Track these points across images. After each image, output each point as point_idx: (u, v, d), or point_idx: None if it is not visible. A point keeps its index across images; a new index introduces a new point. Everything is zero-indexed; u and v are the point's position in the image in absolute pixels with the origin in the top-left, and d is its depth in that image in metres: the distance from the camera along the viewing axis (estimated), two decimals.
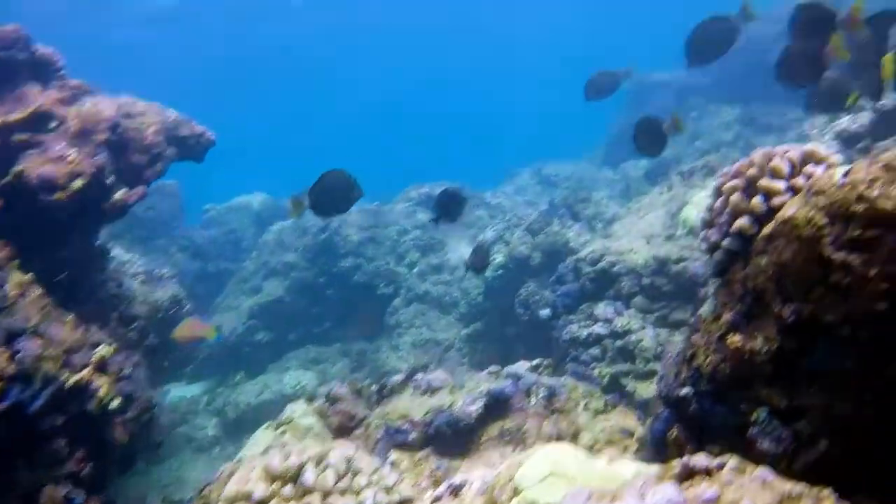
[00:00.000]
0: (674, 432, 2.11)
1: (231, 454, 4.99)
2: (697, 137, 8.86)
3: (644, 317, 4.58)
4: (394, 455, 3.23)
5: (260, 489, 2.11)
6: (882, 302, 1.51)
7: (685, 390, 1.87)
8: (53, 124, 3.90)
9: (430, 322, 7.08)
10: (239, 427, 6.16)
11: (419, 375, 3.67)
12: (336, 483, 2.14)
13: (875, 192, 1.45)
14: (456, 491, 2.09)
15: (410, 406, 3.44)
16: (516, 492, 1.82)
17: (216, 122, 4.79)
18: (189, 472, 5.46)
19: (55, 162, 3.68)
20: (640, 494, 1.32)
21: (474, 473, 2.14)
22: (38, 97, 3.91)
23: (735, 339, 1.73)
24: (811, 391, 1.68)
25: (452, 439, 3.32)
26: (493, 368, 3.72)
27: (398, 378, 3.73)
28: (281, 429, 3.55)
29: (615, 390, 4.17)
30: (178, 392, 6.59)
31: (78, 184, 3.70)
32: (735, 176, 1.79)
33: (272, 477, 2.17)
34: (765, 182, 1.69)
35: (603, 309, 4.72)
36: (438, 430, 3.31)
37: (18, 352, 2.99)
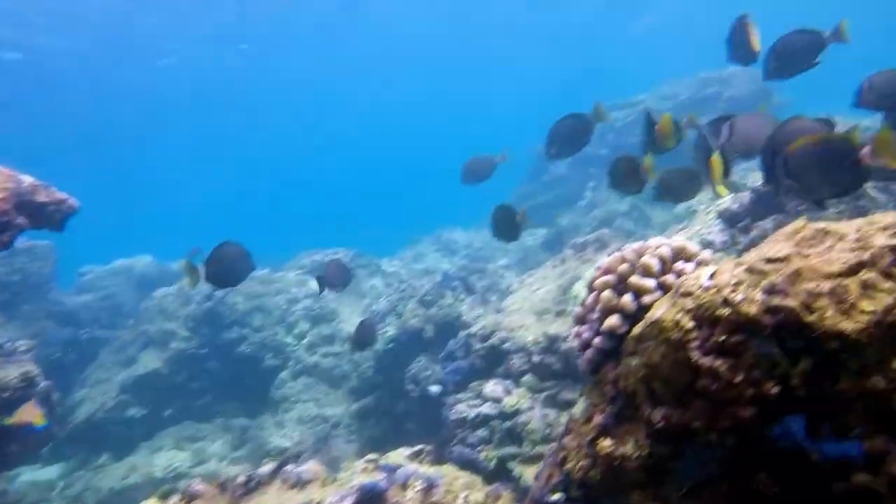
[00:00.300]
0: None
1: None
2: (595, 207, 9.13)
3: (533, 396, 4.50)
4: None
5: None
6: (749, 408, 1.47)
7: (556, 497, 1.77)
8: None
9: (319, 396, 6.78)
10: None
11: (289, 467, 3.41)
12: None
13: (739, 297, 1.42)
14: None
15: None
16: None
17: (87, 182, 4.48)
18: None
19: None
20: None
21: None
22: None
23: (605, 444, 1.65)
24: (682, 499, 1.61)
25: None
26: (371, 456, 3.51)
27: (266, 470, 3.45)
28: None
29: (502, 475, 4.03)
30: (30, 476, 5.95)
31: None
32: (607, 272, 1.74)
33: None
34: (635, 280, 1.65)
35: (492, 387, 4.62)
36: None
37: None
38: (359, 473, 3.26)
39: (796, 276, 1.43)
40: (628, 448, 1.62)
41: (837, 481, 1.37)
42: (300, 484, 3.22)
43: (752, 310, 1.39)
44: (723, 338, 1.42)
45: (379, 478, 3.12)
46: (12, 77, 16.65)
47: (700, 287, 1.46)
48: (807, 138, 2.24)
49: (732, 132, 2.79)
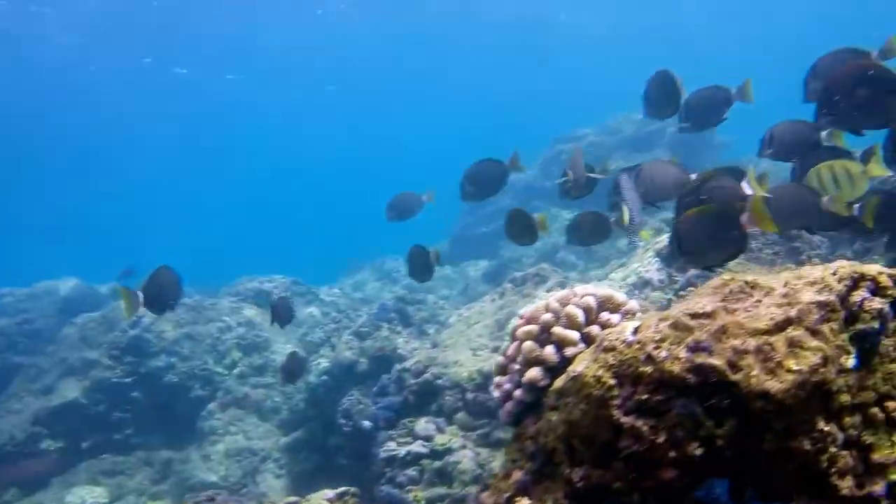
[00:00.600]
0: None
1: None
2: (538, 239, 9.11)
3: (466, 435, 4.39)
4: None
5: None
6: (671, 470, 1.39)
7: None
8: None
9: (248, 429, 6.52)
10: None
11: None
12: None
13: (663, 354, 1.35)
14: None
15: None
16: None
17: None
18: None
19: None
20: None
21: None
22: None
23: None
24: None
25: None
26: (291, 500, 3.34)
27: None
28: None
29: None
30: None
31: None
32: (530, 321, 1.65)
33: None
34: (558, 331, 1.57)
35: (424, 425, 4.49)
36: None
37: None
38: None
39: (722, 332, 1.36)
40: None
41: None
42: None
43: (676, 368, 1.32)
44: (645, 396, 1.35)
45: None
46: None
47: (623, 342, 1.39)
48: (694, 211, 2.39)
49: (639, 181, 2.84)
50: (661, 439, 1.36)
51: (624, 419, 1.36)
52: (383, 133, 31.81)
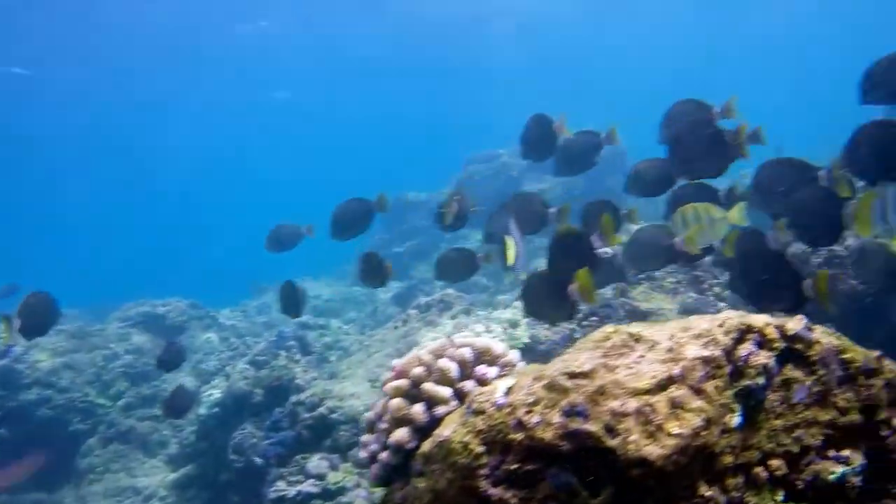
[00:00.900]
0: None
1: None
2: None
3: (361, 472, 4.17)
4: None
5: None
6: None
7: None
8: None
9: (132, 465, 6.07)
10: None
11: None
12: None
13: (534, 419, 1.21)
14: None
15: None
16: None
17: None
18: None
19: None
20: None
21: None
22: None
23: None
24: None
25: None
26: None
27: None
28: None
29: None
30: None
31: None
32: (400, 375, 1.50)
33: None
34: (428, 387, 1.42)
35: (316, 462, 4.25)
36: None
37: None
38: None
39: (600, 393, 1.24)
40: None
41: None
42: None
43: (548, 435, 1.19)
44: (515, 466, 1.21)
45: None
46: None
47: (493, 405, 1.25)
48: (536, 274, 2.64)
49: (506, 215, 3.03)
50: None
51: (492, 491, 1.22)
52: (297, 154, 31.25)
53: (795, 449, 1.42)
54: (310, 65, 20.81)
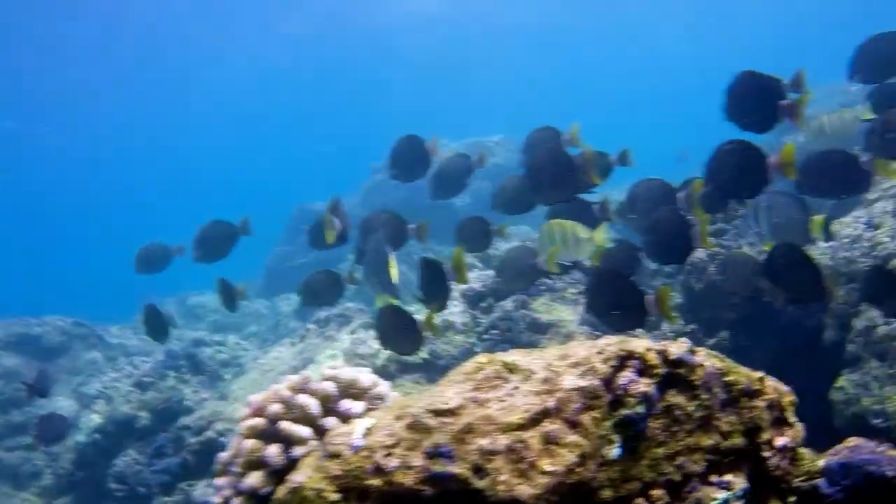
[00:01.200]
0: None
1: None
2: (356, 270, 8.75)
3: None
4: None
5: None
6: None
7: None
8: None
9: None
10: None
11: None
12: None
13: (393, 463, 1.09)
14: None
15: None
16: None
17: None
18: None
19: None
20: None
21: None
22: None
23: None
24: None
25: None
26: None
27: None
28: None
29: None
30: None
31: None
32: (257, 412, 1.35)
33: None
34: (285, 426, 1.28)
35: (202, 490, 4.01)
36: None
37: None
38: None
39: (467, 431, 1.14)
40: None
41: None
42: None
43: (409, 480, 1.07)
44: None
45: None
46: None
47: (349, 447, 1.13)
48: (387, 307, 2.83)
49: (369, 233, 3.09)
50: None
51: None
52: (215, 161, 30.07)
53: (678, 477, 1.36)
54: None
